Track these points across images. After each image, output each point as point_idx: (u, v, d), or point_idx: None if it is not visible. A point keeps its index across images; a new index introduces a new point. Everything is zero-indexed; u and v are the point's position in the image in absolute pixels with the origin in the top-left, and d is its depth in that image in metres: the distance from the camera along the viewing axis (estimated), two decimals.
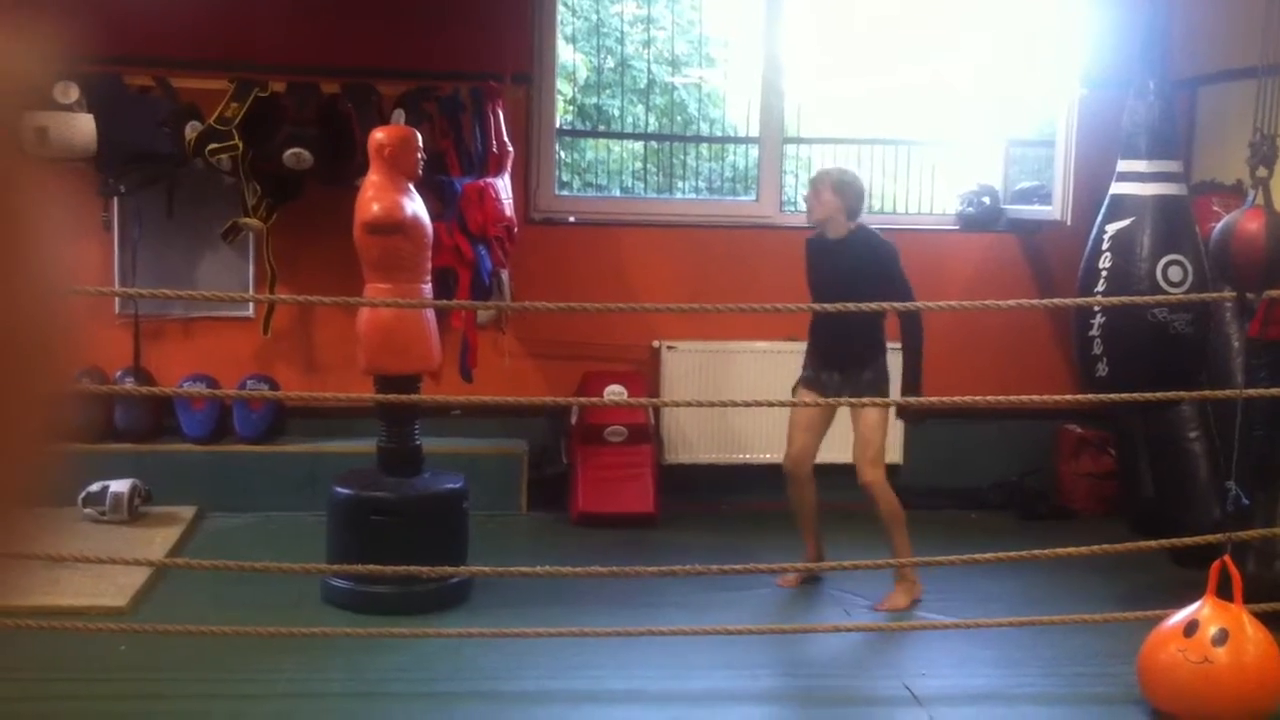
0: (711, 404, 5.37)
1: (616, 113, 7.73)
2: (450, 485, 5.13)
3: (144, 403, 6.20)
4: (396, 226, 4.86)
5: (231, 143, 5.83)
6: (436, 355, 5.18)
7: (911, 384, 5.08)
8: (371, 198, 4.89)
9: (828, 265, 5.22)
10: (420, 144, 5.09)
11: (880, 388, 5.14)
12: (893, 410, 5.26)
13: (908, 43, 7.51)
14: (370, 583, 4.78)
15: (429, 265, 5.13)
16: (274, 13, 6.25)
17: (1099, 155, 5.76)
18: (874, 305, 4.69)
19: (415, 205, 5.00)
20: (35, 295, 0.57)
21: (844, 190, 5.14)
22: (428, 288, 5.11)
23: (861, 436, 5.13)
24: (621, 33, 7.70)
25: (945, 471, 6.78)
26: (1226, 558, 4.10)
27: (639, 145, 7.55)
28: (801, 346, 6.65)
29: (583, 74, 7.99)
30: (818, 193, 5.19)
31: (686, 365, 6.65)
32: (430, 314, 5.17)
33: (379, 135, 5.02)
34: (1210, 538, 4.49)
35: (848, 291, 4.79)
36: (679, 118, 7.74)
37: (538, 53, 6.63)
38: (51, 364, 0.58)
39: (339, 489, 5.01)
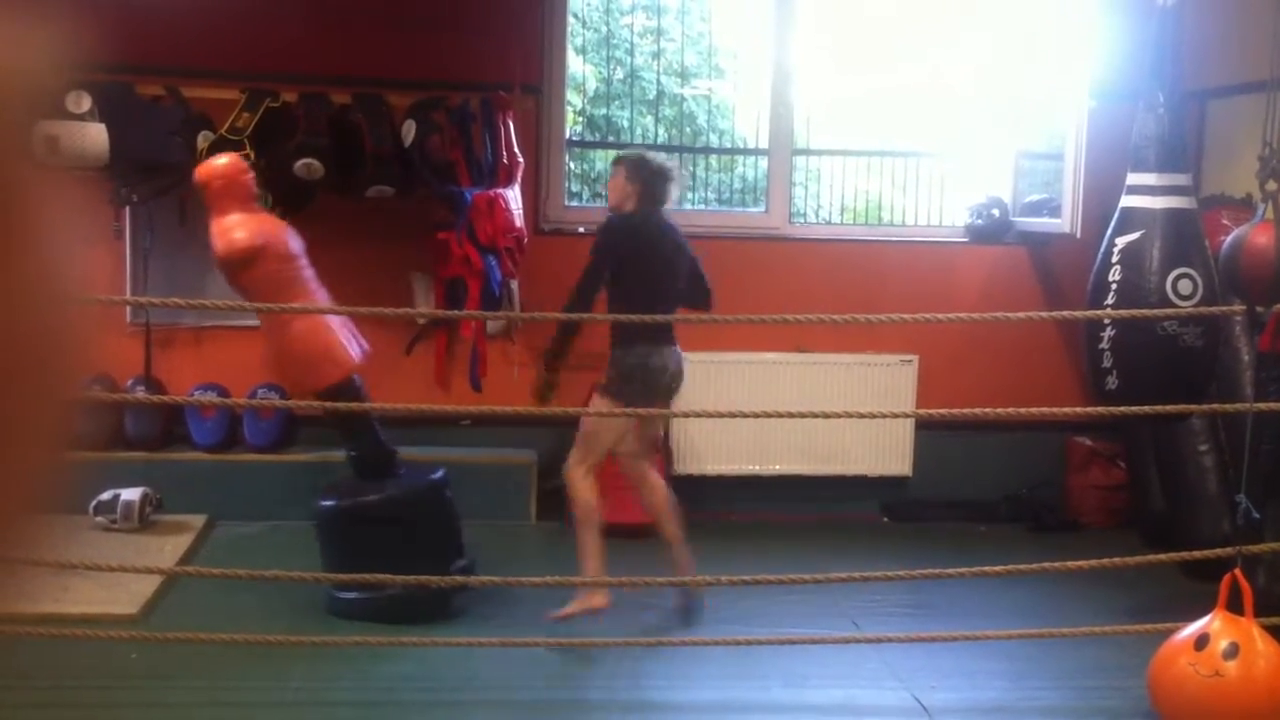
0: (720, 415, 5.36)
1: (626, 124, 7.74)
2: (430, 478, 5.12)
3: (155, 411, 6.21)
4: (242, 261, 4.78)
5: (243, 152, 5.85)
6: (350, 354, 5.04)
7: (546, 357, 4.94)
8: (214, 240, 4.83)
9: None
10: (244, 166, 5.00)
11: (603, 383, 4.92)
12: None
13: (917, 54, 7.52)
14: (373, 590, 4.77)
15: (307, 270, 5.00)
16: (285, 23, 6.28)
17: (1108, 168, 5.76)
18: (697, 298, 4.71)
19: (259, 224, 4.90)
20: (47, 303, 0.58)
21: (642, 178, 4.95)
22: (323, 293, 5.02)
23: (581, 426, 5.00)
24: (631, 44, 7.72)
25: (955, 484, 6.77)
26: (1237, 571, 4.09)
27: None
28: (811, 357, 6.69)
29: (592, 85, 8.01)
30: (614, 175, 5.04)
31: (695, 376, 6.61)
32: (335, 319, 5.04)
33: (199, 175, 4.96)
34: (1220, 551, 4.48)
35: None
36: (688, 129, 7.75)
37: (547, 64, 6.65)
38: (63, 372, 0.59)
39: (323, 501, 5.01)
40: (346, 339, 5.04)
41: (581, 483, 4.90)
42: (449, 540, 4.97)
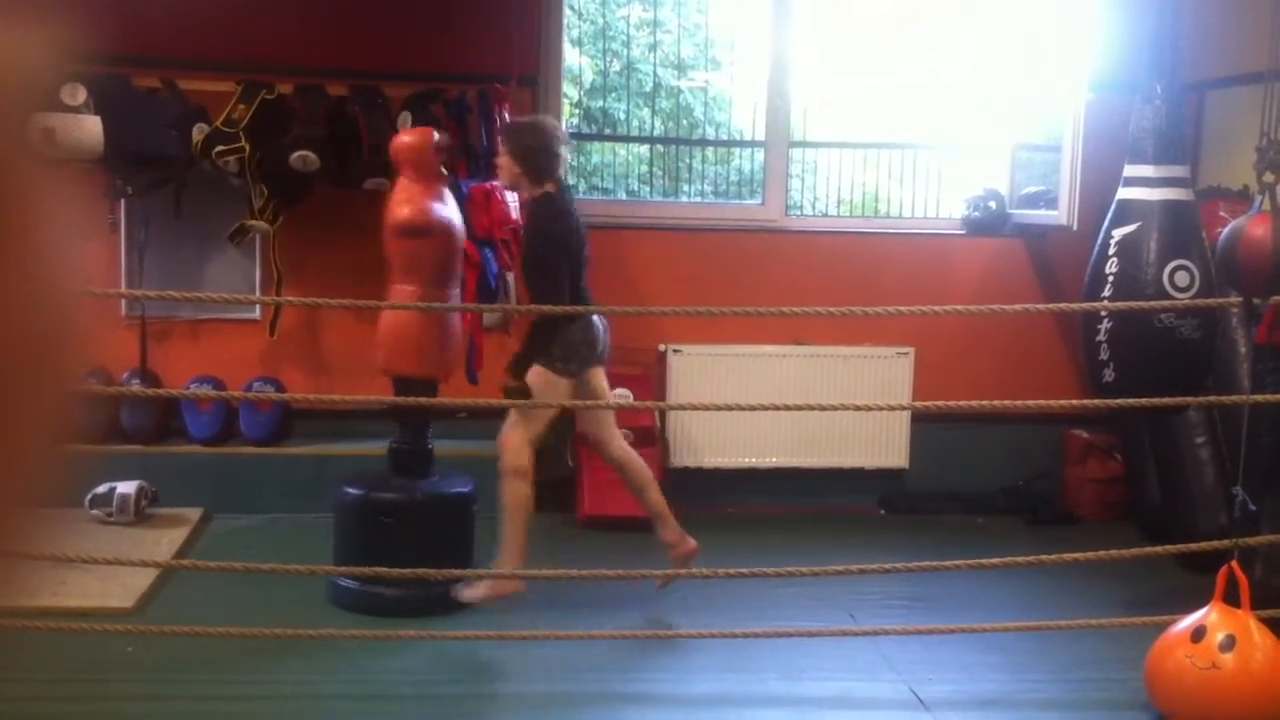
0: (717, 407, 5.36)
1: (622, 116, 7.73)
2: (459, 489, 5.13)
3: (150, 404, 6.20)
4: (423, 229, 4.86)
5: (239, 145, 5.84)
6: (453, 361, 5.18)
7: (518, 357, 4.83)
8: (401, 199, 4.91)
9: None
10: (437, 146, 5.02)
11: (544, 358, 4.79)
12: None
13: (913, 46, 7.51)
14: (378, 584, 4.78)
15: (458, 270, 5.12)
16: (281, 15, 6.26)
17: (1106, 160, 5.75)
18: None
19: (446, 210, 4.99)
20: (43, 296, 0.57)
21: (524, 155, 4.77)
22: (456, 293, 5.11)
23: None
24: (627, 36, 7.71)
25: (951, 476, 6.78)
26: (1234, 563, 4.10)
27: (645, 149, 7.55)
28: (808, 350, 6.68)
29: (589, 77, 7.99)
30: (500, 154, 4.90)
31: (692, 369, 6.64)
32: (455, 320, 5.16)
33: (402, 138, 5.07)
34: (1217, 543, 4.48)
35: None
36: (685, 121, 7.74)
37: (544, 55, 6.63)
38: (59, 365, 0.58)
39: (348, 489, 5.02)
40: (449, 345, 5.11)
41: (517, 452, 4.82)
42: (461, 554, 4.97)
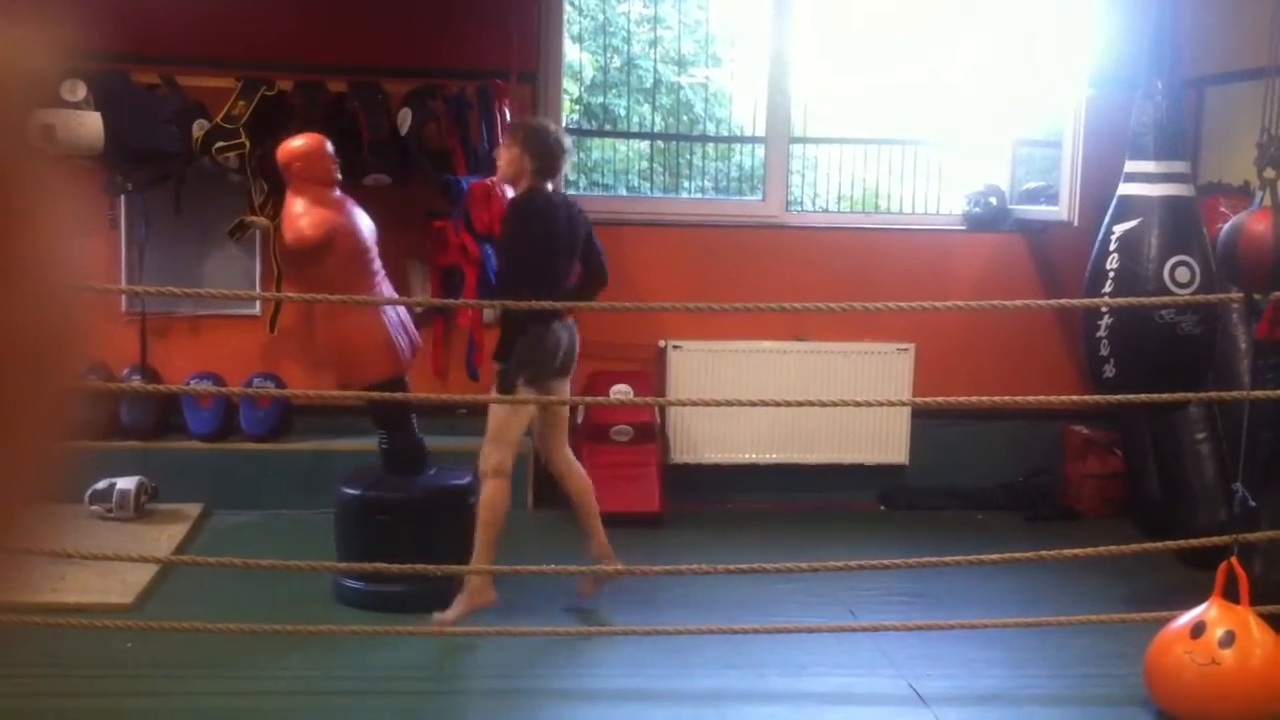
0: (717, 403, 5.36)
1: (623, 112, 7.73)
2: (455, 482, 5.13)
3: (150, 400, 6.20)
4: (315, 248, 4.73)
5: (238, 141, 5.84)
6: (404, 356, 5.03)
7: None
8: (287, 225, 4.77)
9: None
10: (329, 148, 4.89)
11: (504, 371, 4.73)
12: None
13: (915, 41, 7.51)
14: (380, 581, 4.78)
15: (375, 264, 4.97)
16: (281, 11, 6.26)
17: (1106, 156, 5.75)
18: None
19: (338, 214, 4.83)
20: (43, 292, 0.57)
21: (535, 152, 4.71)
22: (387, 286, 5.01)
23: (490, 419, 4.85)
24: (628, 32, 7.70)
25: (951, 472, 6.78)
26: (1233, 559, 4.10)
27: (645, 145, 7.55)
28: (808, 346, 6.68)
29: (589, 73, 7.99)
30: (506, 147, 4.79)
31: (692, 365, 6.64)
32: (392, 313, 5.00)
33: (280, 156, 4.88)
34: (1217, 539, 4.49)
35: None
36: (685, 117, 7.74)
37: (544, 51, 6.63)
38: (59, 361, 0.58)
39: (346, 489, 5.02)
40: (399, 334, 4.98)
41: (493, 478, 4.74)
42: (460, 548, 4.97)
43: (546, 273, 4.71)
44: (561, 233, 4.77)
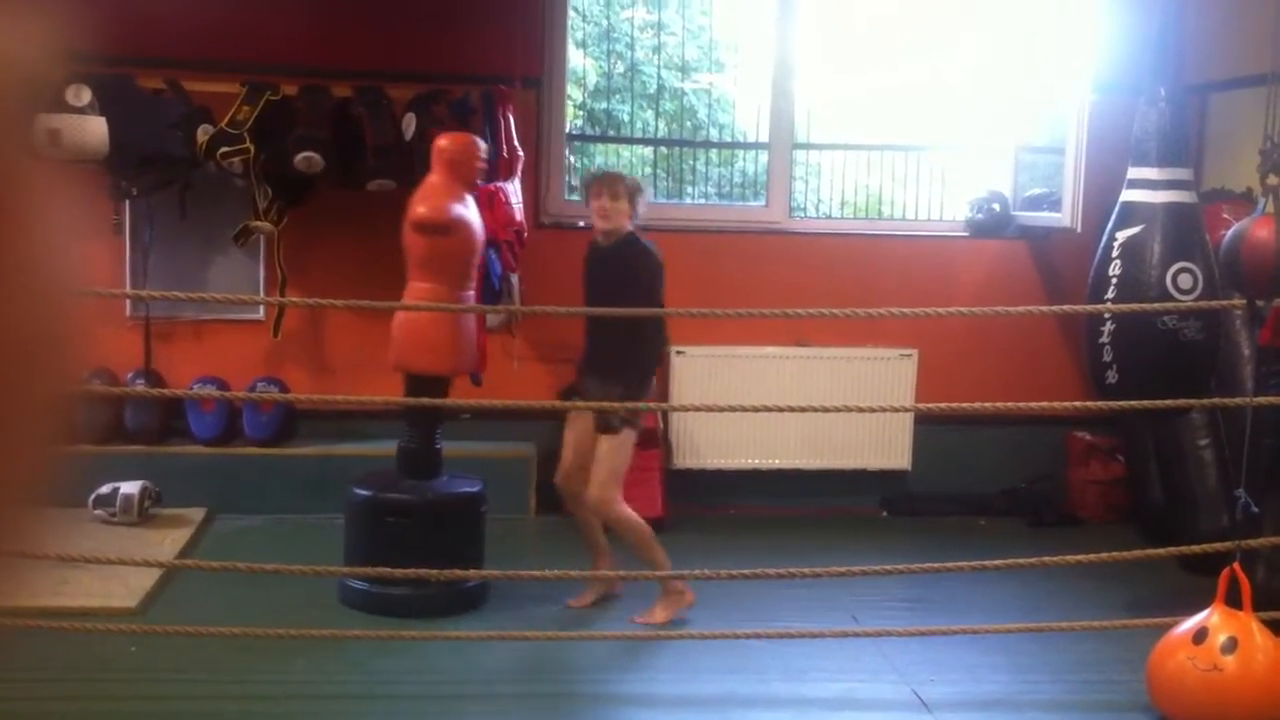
0: (720, 409, 5.36)
1: (626, 118, 7.74)
2: (467, 489, 5.14)
3: (154, 404, 6.21)
4: (440, 228, 4.89)
5: (243, 146, 5.85)
6: (466, 360, 5.19)
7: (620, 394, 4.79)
8: (422, 198, 4.96)
9: (598, 269, 5.00)
10: (483, 153, 5.16)
11: (621, 416, 4.79)
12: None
13: (917, 48, 7.51)
14: (386, 585, 4.79)
15: (474, 272, 5.15)
16: (286, 16, 6.27)
17: (1109, 162, 5.75)
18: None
19: (466, 211, 5.03)
20: (43, 296, 0.58)
21: (638, 197, 4.92)
22: (471, 294, 5.13)
23: (596, 455, 4.86)
24: (631, 38, 7.72)
25: (954, 477, 6.78)
26: (1236, 565, 4.10)
27: (648, 150, 7.56)
28: (811, 351, 6.69)
29: (592, 79, 8.00)
30: (616, 199, 4.87)
31: (695, 370, 6.65)
32: (469, 320, 5.19)
33: (442, 141, 5.12)
34: (1219, 545, 4.48)
35: (608, 297, 4.80)
36: (688, 123, 7.75)
37: (548, 57, 6.64)
38: (59, 364, 0.59)
39: (357, 490, 5.03)
40: (470, 339, 5.17)
41: (623, 511, 4.87)
42: (471, 554, 4.98)
43: (660, 320, 4.92)
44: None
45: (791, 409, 5.14)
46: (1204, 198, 5.60)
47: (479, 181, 5.81)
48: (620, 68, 7.81)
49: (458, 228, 4.94)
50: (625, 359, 4.84)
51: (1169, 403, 4.67)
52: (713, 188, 7.46)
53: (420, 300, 4.91)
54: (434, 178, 5.02)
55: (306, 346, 6.58)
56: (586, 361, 5.03)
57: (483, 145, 5.19)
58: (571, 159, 7.18)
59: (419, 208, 4.91)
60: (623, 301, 4.72)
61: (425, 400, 4.89)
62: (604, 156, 7.70)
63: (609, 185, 4.90)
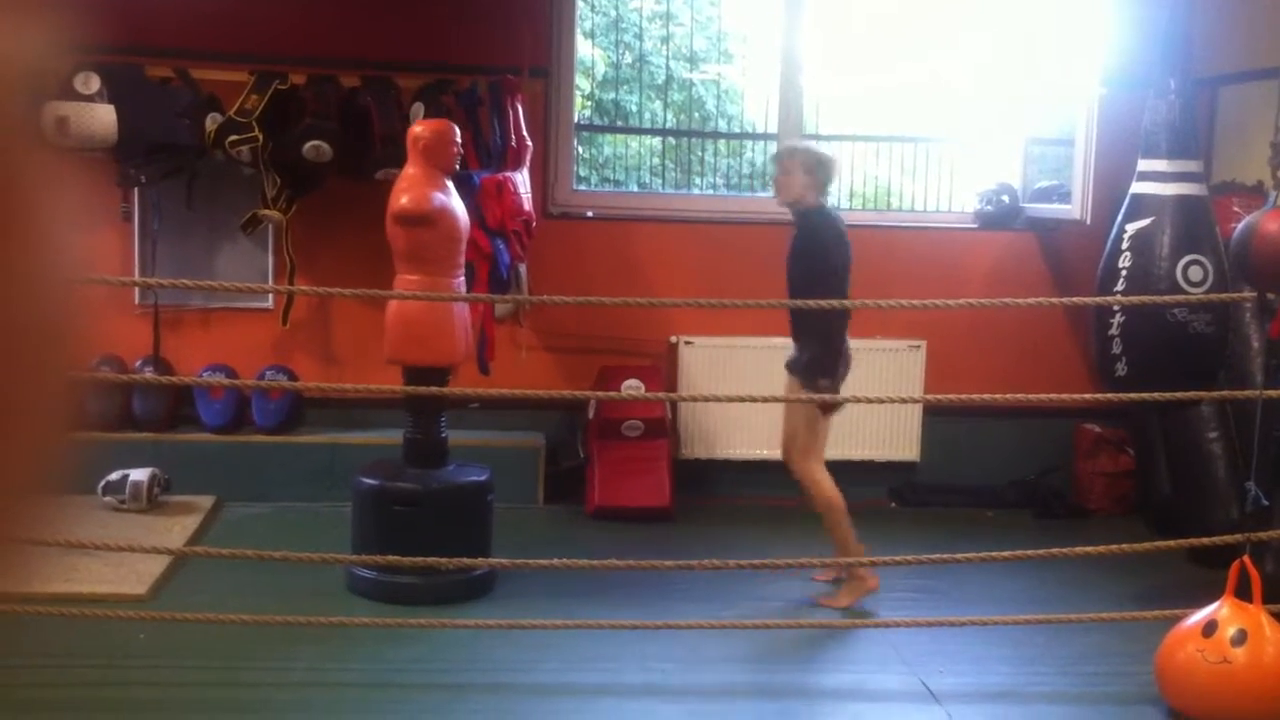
0: (728, 399, 5.36)
1: (634, 108, 7.73)
2: (475, 478, 5.14)
3: (163, 392, 6.23)
4: (423, 218, 4.88)
5: (251, 134, 5.85)
6: (460, 350, 5.17)
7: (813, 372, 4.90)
8: (403, 189, 4.93)
9: (791, 243, 5.05)
10: (457, 138, 5.10)
11: (811, 375, 4.90)
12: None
13: (926, 39, 7.49)
14: (394, 573, 4.80)
15: (461, 259, 5.14)
16: (294, 5, 6.27)
17: (1119, 154, 5.74)
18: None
19: (448, 199, 5.01)
20: (49, 284, 0.57)
21: (815, 170, 4.93)
22: (459, 282, 5.12)
23: (790, 426, 5.05)
24: (640, 28, 7.70)
25: (962, 469, 6.77)
26: (1245, 558, 4.09)
27: (657, 141, 7.55)
28: None
29: (601, 69, 7.99)
30: (785, 173, 4.96)
31: (703, 360, 6.65)
32: (462, 309, 5.17)
33: (416, 128, 5.08)
34: (1229, 538, 4.47)
35: (790, 269, 4.87)
36: (697, 114, 7.74)
37: (556, 47, 6.64)
38: (64, 353, 0.59)
39: (364, 479, 5.04)
40: (463, 328, 5.15)
41: (821, 475, 4.94)
42: (478, 542, 4.98)
43: (845, 285, 4.86)
44: (847, 245, 4.94)
45: (799, 399, 5.13)
46: (1214, 190, 5.59)
47: (482, 173, 5.83)
48: (629, 58, 7.80)
49: (440, 217, 4.93)
50: (803, 326, 4.94)
51: (1178, 395, 4.66)
52: (721, 178, 7.45)
53: (409, 291, 4.91)
54: (411, 168, 4.99)
55: (315, 335, 6.58)
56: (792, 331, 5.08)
57: (458, 131, 5.13)
58: (579, 149, 7.17)
59: (400, 199, 4.90)
60: (800, 273, 4.84)
61: (433, 389, 4.90)
62: (612, 147, 7.69)
63: (779, 159, 5.08)
